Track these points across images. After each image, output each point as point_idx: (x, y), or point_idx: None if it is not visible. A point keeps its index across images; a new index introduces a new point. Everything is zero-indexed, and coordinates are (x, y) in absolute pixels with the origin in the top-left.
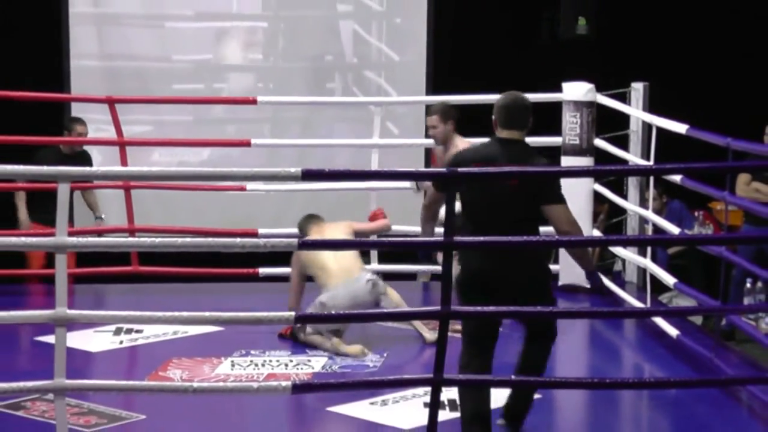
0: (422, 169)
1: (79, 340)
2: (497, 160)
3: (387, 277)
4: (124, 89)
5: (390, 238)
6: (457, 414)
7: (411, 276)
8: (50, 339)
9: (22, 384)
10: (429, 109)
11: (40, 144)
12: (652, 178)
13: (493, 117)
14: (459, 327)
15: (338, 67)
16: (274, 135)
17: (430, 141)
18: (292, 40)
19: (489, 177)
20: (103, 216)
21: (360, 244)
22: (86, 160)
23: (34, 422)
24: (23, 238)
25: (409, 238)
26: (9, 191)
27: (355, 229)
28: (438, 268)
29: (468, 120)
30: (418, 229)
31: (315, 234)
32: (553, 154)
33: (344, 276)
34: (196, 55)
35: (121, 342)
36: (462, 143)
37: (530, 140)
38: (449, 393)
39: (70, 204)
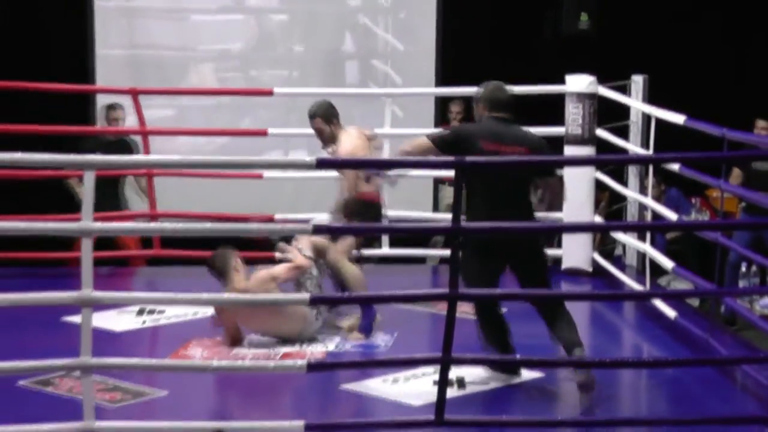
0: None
1: (104, 320)
2: (504, 135)
3: (397, 261)
4: (148, 78)
5: (400, 224)
6: (465, 391)
7: (420, 260)
8: (77, 319)
9: (50, 362)
10: (312, 114)
11: (67, 133)
12: (651, 167)
13: (480, 104)
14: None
15: (351, 60)
16: (290, 124)
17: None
18: (308, 33)
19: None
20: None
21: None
22: (127, 147)
23: (62, 398)
24: (51, 224)
25: (418, 224)
26: (62, 178)
27: (273, 275)
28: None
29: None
30: (427, 214)
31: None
32: (556, 143)
33: None
34: (217, 45)
35: (144, 322)
36: (350, 130)
37: (534, 130)
38: (457, 371)
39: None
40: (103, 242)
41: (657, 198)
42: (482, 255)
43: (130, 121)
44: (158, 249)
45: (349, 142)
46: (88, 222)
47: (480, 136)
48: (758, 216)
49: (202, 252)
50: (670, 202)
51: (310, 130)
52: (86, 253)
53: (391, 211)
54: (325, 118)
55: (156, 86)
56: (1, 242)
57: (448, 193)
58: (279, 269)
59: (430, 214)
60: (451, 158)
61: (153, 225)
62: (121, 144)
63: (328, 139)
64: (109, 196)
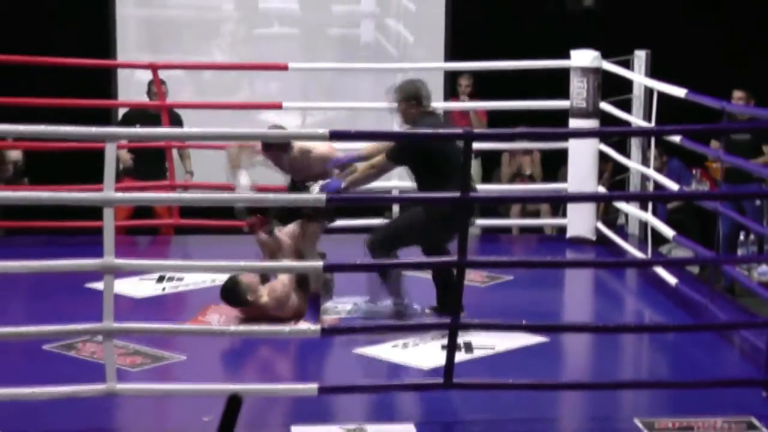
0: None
1: (125, 286)
2: (447, 126)
3: None
4: (166, 39)
5: (410, 194)
6: (473, 355)
7: None
8: (99, 286)
9: (73, 327)
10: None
11: (92, 107)
12: (653, 139)
13: (407, 103)
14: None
15: (363, 36)
16: (304, 98)
17: (449, 104)
18: (322, 6)
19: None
20: (192, 171)
21: (379, 200)
22: (175, 119)
23: (84, 362)
24: (74, 193)
25: (428, 195)
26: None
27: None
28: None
29: (481, 83)
30: None
31: None
32: (561, 116)
33: None
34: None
35: (164, 289)
36: (312, 145)
37: (541, 104)
38: (465, 336)
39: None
40: (143, 212)
41: (659, 169)
42: (437, 227)
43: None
44: (177, 219)
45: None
46: (110, 192)
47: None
48: (737, 185)
49: (219, 221)
50: (672, 173)
51: (324, 103)
52: (108, 221)
53: (401, 182)
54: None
55: (175, 48)
56: (28, 212)
57: None
58: (285, 279)
59: None
60: (459, 130)
61: (172, 195)
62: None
63: (286, 168)
64: (153, 168)
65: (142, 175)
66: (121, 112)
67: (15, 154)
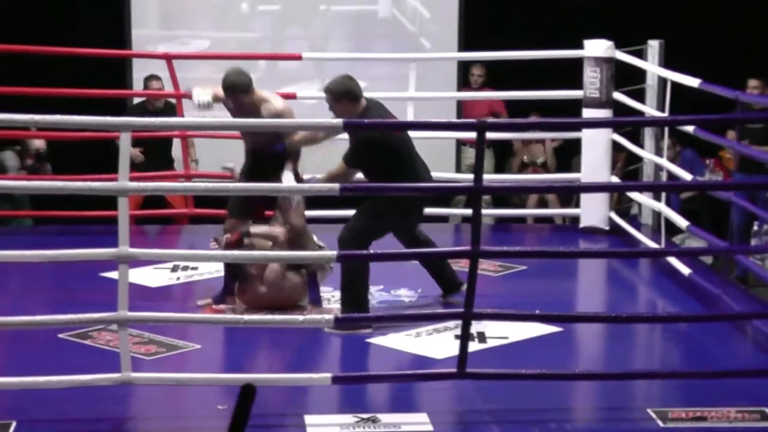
0: (454, 120)
1: (139, 276)
2: (389, 115)
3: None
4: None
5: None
6: (486, 345)
7: (443, 219)
8: (114, 275)
9: (89, 315)
10: (225, 87)
11: (105, 96)
12: (666, 129)
13: (343, 101)
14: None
15: (381, 12)
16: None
17: (463, 94)
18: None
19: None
20: (197, 159)
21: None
22: (174, 113)
23: (99, 350)
24: (88, 183)
25: (441, 184)
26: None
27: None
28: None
29: (494, 72)
30: (449, 175)
31: None
32: (575, 106)
33: None
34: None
35: (178, 278)
36: (269, 96)
37: (554, 93)
38: (478, 326)
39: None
40: (154, 202)
41: (672, 159)
42: (396, 213)
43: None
44: (191, 208)
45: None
46: (124, 182)
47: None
48: (752, 174)
49: None
50: (685, 163)
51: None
52: (123, 211)
53: None
54: (240, 91)
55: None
56: (47, 201)
57: (469, 155)
58: (274, 266)
59: (452, 175)
60: (473, 120)
61: (186, 184)
62: (169, 111)
63: (249, 110)
64: (160, 159)
65: (148, 166)
66: (136, 101)
67: (38, 142)
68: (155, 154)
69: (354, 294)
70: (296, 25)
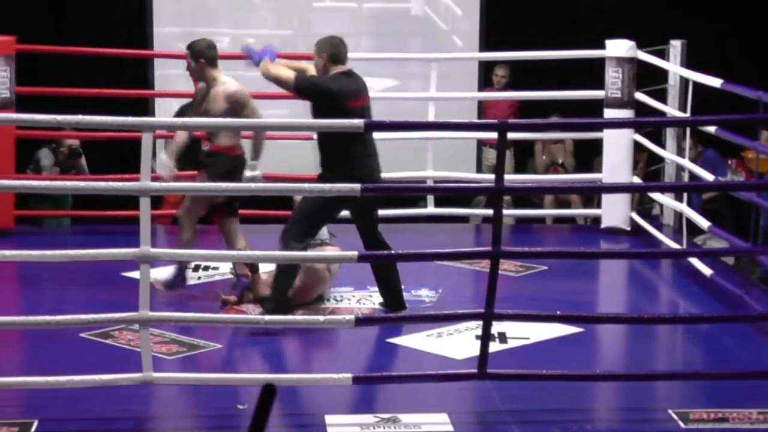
0: (475, 120)
1: (161, 276)
2: (362, 91)
3: (441, 219)
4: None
5: (444, 184)
6: (507, 345)
7: (464, 219)
8: (135, 275)
9: (110, 315)
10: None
11: (128, 96)
12: (688, 129)
13: (322, 58)
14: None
15: (413, 9)
16: None
17: (483, 94)
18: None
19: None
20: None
21: (414, 189)
22: None
23: (121, 349)
24: (111, 183)
25: (462, 184)
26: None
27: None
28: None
29: (517, 73)
30: (470, 175)
31: None
32: (596, 106)
33: None
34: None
35: (199, 278)
36: (225, 80)
37: (575, 93)
38: (499, 326)
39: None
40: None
41: (694, 159)
42: (337, 203)
43: None
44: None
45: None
46: (146, 182)
47: (344, 96)
48: None
49: (254, 210)
50: (707, 163)
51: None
52: (144, 211)
53: (436, 172)
54: (193, 56)
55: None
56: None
57: (489, 155)
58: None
59: (473, 175)
60: (494, 121)
61: (207, 184)
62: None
63: (196, 75)
64: (189, 159)
65: (177, 166)
66: (158, 101)
67: (71, 139)
68: (184, 153)
69: (279, 290)
70: (325, 23)
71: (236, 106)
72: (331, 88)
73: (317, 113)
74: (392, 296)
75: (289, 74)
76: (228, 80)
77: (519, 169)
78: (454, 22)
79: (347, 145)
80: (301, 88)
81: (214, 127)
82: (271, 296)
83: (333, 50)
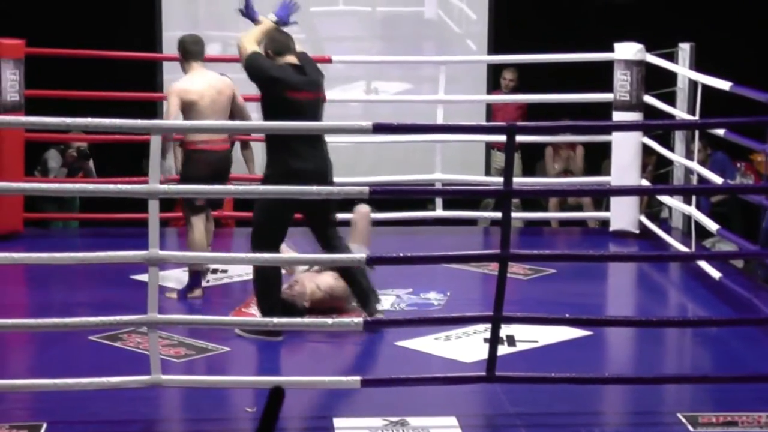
0: (483, 122)
1: (170, 278)
2: (310, 85)
3: (450, 222)
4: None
5: (453, 187)
6: (515, 348)
7: (472, 222)
8: (144, 277)
9: (119, 318)
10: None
11: (136, 99)
12: (697, 132)
13: (268, 54)
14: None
15: (427, 13)
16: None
17: (492, 97)
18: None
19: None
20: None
21: (422, 192)
22: None
23: (129, 352)
24: (120, 186)
25: (470, 187)
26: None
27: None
28: None
29: (526, 76)
30: (478, 178)
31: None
32: (605, 109)
33: None
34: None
35: (208, 281)
36: (193, 74)
37: (583, 97)
38: (508, 329)
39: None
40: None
41: (702, 162)
42: (281, 200)
43: None
44: (229, 210)
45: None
46: (154, 184)
47: (284, 85)
48: None
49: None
50: (716, 166)
51: (369, 96)
52: (153, 214)
53: (445, 175)
54: (179, 53)
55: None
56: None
57: (497, 158)
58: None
59: (482, 178)
60: (502, 123)
61: (218, 187)
62: None
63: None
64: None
65: None
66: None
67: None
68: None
69: (269, 301)
70: (338, 26)
71: (180, 101)
72: (271, 74)
73: (262, 99)
74: (366, 294)
75: (247, 50)
76: (194, 75)
77: (527, 172)
78: (468, 26)
79: (290, 139)
80: (246, 66)
81: (217, 130)
82: (261, 307)
83: (273, 44)
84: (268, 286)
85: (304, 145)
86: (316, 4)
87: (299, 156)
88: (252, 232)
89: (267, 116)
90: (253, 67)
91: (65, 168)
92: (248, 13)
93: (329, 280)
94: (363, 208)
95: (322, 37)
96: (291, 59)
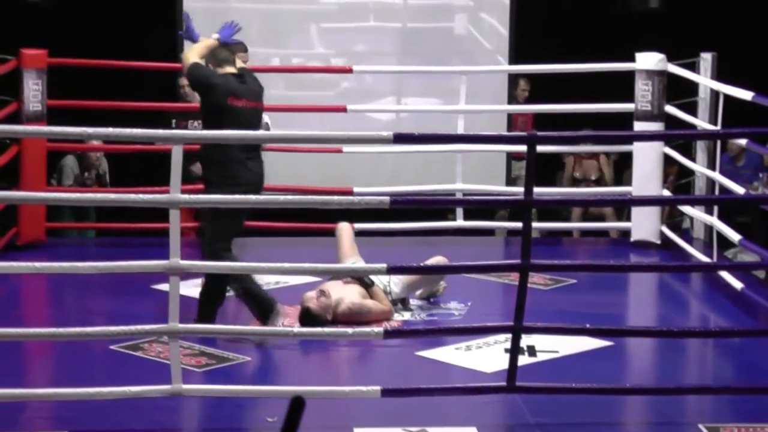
0: (504, 133)
1: (190, 288)
2: (250, 93)
3: (470, 232)
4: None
5: (473, 197)
6: (536, 359)
7: (490, 232)
8: (165, 287)
9: (140, 327)
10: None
11: (158, 109)
12: (719, 142)
13: (211, 61)
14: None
15: (457, 29)
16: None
17: (512, 107)
18: (384, 15)
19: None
20: None
21: (443, 202)
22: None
23: (151, 362)
24: (141, 195)
25: (491, 197)
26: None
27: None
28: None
29: (545, 85)
30: (499, 188)
31: None
32: (626, 119)
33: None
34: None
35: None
36: None
37: (605, 106)
38: (528, 339)
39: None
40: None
41: (735, 158)
42: (228, 211)
43: None
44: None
45: None
46: (176, 194)
47: (224, 92)
48: None
49: (284, 223)
50: (750, 162)
51: (389, 106)
52: (174, 223)
53: (465, 185)
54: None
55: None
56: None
57: (515, 167)
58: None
59: (501, 188)
60: (523, 134)
61: (236, 197)
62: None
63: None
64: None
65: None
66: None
67: (103, 165)
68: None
69: (209, 306)
70: (368, 42)
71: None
72: (212, 82)
73: (202, 107)
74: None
75: (189, 60)
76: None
77: (543, 181)
78: (498, 41)
79: (237, 148)
80: (188, 75)
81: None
82: (201, 313)
83: (213, 57)
84: (217, 295)
85: (249, 153)
86: (348, 20)
87: (244, 165)
88: (210, 241)
89: (207, 124)
90: (195, 74)
91: (80, 178)
92: (189, 35)
93: (354, 295)
94: (343, 223)
95: (353, 52)
96: (231, 70)
